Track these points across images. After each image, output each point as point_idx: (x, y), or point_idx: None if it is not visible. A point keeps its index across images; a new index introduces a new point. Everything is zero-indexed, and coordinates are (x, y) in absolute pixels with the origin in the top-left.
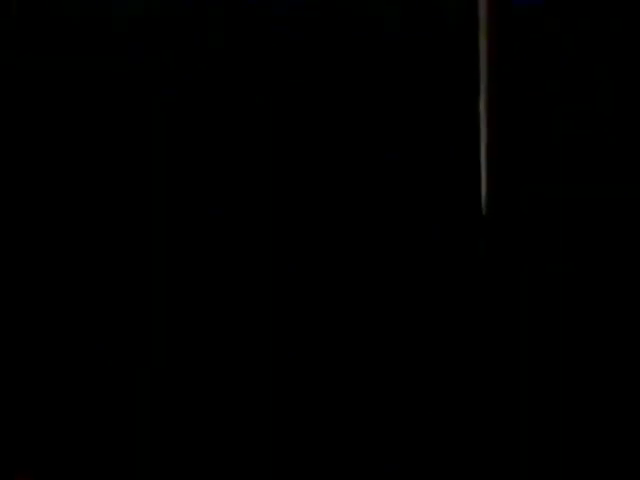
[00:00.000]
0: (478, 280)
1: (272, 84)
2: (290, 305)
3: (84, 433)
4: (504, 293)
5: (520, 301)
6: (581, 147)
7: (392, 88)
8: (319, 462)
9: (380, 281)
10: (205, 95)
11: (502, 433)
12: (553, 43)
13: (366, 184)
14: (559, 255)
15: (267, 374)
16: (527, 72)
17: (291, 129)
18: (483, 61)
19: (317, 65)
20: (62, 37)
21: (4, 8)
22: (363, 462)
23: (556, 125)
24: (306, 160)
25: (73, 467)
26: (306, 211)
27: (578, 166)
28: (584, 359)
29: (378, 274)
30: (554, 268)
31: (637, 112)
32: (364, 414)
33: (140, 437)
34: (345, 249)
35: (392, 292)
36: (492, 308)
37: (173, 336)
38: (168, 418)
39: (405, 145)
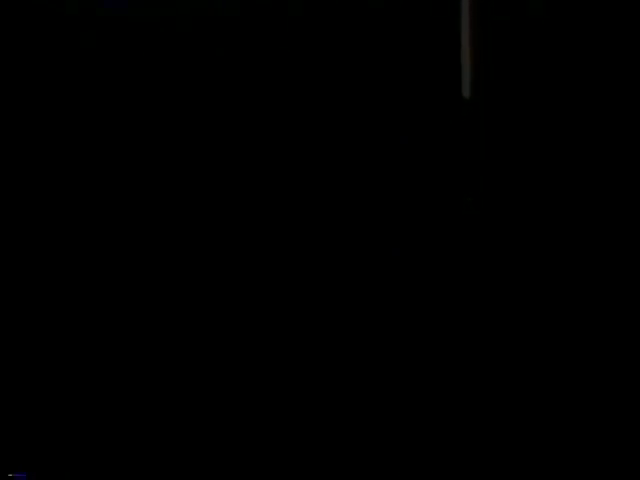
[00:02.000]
0: (466, 278)
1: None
2: (285, 299)
3: (84, 433)
4: (491, 291)
5: (509, 299)
6: (579, 146)
7: (384, 85)
8: (318, 461)
9: (370, 279)
10: (204, 94)
11: (488, 431)
12: (549, 37)
13: (354, 180)
14: (552, 254)
15: (267, 374)
16: (521, 71)
17: (282, 130)
18: (465, 52)
19: (310, 64)
20: (61, 36)
21: (4, 8)
22: (361, 461)
23: (549, 124)
24: (293, 158)
25: (73, 467)
26: (292, 205)
27: (576, 165)
28: (577, 357)
29: (367, 272)
30: (547, 267)
31: (637, 112)
32: (355, 411)
33: (140, 437)
34: (333, 247)
35: (382, 290)
36: (480, 303)
37: (173, 335)
38: (167, 418)
39: (395, 141)
